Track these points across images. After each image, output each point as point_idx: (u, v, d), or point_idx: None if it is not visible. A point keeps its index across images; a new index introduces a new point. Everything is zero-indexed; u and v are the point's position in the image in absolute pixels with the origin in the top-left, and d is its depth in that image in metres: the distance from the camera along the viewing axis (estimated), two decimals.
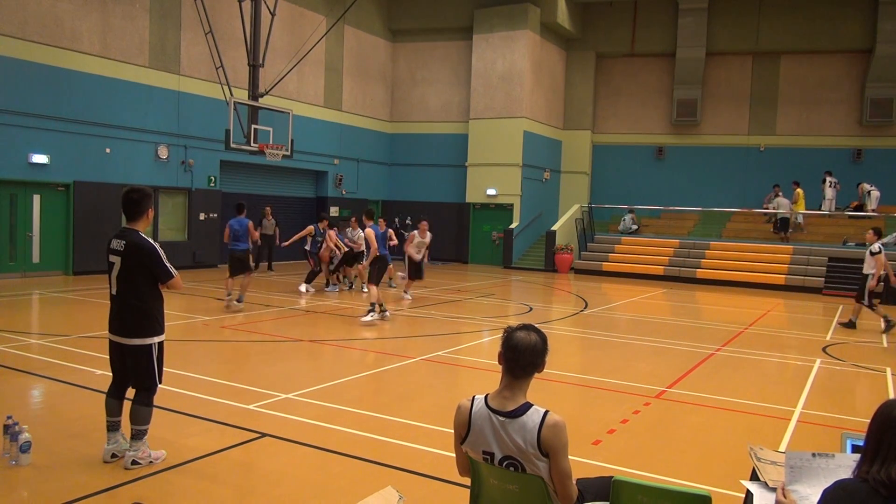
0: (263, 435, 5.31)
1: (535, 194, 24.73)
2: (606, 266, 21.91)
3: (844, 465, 2.54)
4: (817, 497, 2.34)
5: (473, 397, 2.86)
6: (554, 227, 23.40)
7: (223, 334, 9.65)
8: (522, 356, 2.76)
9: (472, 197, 24.47)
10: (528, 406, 2.74)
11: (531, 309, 13.73)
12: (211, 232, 18.87)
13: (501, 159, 23.75)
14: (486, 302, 14.57)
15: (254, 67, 18.51)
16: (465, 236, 24.77)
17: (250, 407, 6.07)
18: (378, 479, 4.42)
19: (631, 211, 24.19)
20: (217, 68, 17.85)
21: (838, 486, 2.32)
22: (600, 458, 5.04)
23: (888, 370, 8.86)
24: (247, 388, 6.70)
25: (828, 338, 11.47)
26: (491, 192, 23.99)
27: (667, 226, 24.26)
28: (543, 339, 2.82)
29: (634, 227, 23.86)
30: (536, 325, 2.85)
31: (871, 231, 12.53)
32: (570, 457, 2.73)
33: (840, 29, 23.18)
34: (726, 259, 21.01)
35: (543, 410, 2.72)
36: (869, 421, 2.30)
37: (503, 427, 2.72)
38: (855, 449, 2.87)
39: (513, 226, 23.71)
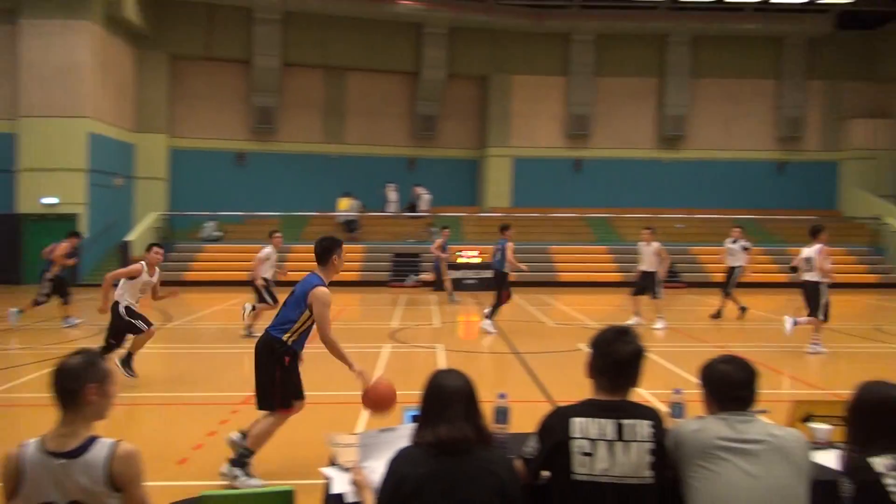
0: None
1: (105, 202, 22.43)
2: (189, 276, 21.12)
3: (405, 435, 2.86)
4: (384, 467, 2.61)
5: (23, 444, 2.46)
6: (130, 238, 21.62)
7: None
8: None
9: (25, 207, 21.05)
10: (92, 440, 2.45)
11: None
12: None
13: (62, 163, 20.93)
14: (45, 326, 12.70)
15: None
16: (17, 252, 21.15)
17: None
18: None
19: (213, 218, 23.73)
20: None
21: (399, 452, 2.62)
22: (188, 477, 4.83)
23: (440, 346, 10.38)
24: None
25: (394, 325, 12.93)
26: (50, 200, 20.97)
27: (251, 231, 24.38)
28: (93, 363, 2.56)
29: (218, 234, 23.48)
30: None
31: (738, 228, 14.13)
32: (155, 482, 2.53)
33: (394, 52, 26.30)
34: (308, 261, 22.09)
35: (111, 441, 2.46)
36: (422, 392, 2.64)
37: (64, 470, 2.39)
38: (414, 419, 3.25)
39: None
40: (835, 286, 10.47)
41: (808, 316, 9.97)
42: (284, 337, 4.87)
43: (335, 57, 25.96)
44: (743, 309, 13.71)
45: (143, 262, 8.11)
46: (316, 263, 5.06)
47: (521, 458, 2.75)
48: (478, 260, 21.39)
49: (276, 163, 26.11)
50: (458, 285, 20.38)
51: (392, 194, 25.34)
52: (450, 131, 27.58)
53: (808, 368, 9.34)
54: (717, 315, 13.77)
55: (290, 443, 5.73)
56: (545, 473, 2.72)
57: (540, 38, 26.74)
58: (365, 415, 6.48)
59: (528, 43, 26.72)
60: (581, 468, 2.58)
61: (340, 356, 4.89)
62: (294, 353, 4.92)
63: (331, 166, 26.48)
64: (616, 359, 2.72)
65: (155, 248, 8.29)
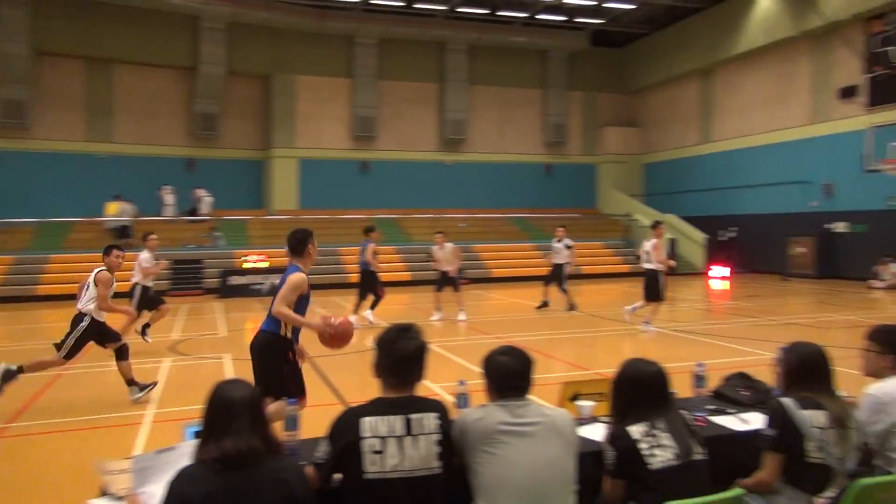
0: None
1: None
2: None
3: (186, 453, 2.69)
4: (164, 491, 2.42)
5: None
6: None
7: None
8: None
9: None
10: None
11: None
12: None
13: None
14: None
15: None
16: None
17: None
18: None
19: None
20: None
21: (179, 473, 2.45)
22: None
23: (227, 356, 9.91)
24: None
25: (175, 336, 12.11)
26: None
27: None
28: None
29: None
30: None
31: (561, 228, 14.90)
32: None
33: (169, 45, 24.69)
34: (71, 272, 19.93)
35: None
36: (204, 404, 2.49)
37: None
38: (196, 435, 3.07)
39: None
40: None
41: (645, 301, 11.72)
42: (283, 332, 5.03)
43: (99, 47, 23.72)
44: (545, 304, 14.84)
45: (104, 269, 7.02)
46: (291, 256, 5.19)
47: (313, 464, 2.72)
48: (265, 264, 20.75)
49: (29, 163, 23.21)
50: (245, 291, 19.70)
51: (169, 197, 23.70)
52: (232, 131, 26.46)
53: (575, 352, 10.29)
54: (572, 307, 14.62)
55: (53, 474, 5.14)
56: (337, 476, 2.71)
57: (323, 39, 26.64)
58: (141, 437, 5.99)
59: (312, 43, 26.50)
60: (372, 466, 2.62)
61: (297, 322, 5.05)
62: (293, 347, 5.12)
63: (97, 167, 24.14)
64: (400, 356, 2.79)
65: (115, 251, 7.17)
